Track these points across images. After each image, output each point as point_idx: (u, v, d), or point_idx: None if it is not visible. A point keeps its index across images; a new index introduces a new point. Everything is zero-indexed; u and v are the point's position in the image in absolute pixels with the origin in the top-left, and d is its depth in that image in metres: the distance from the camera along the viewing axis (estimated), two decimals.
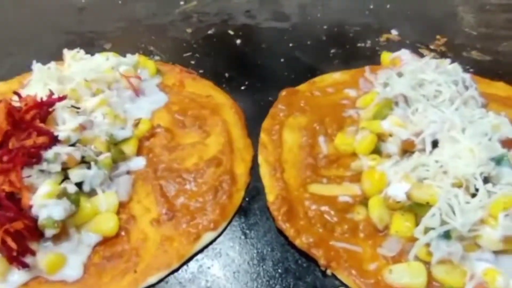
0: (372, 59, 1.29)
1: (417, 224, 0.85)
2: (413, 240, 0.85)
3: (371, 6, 1.53)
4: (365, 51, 1.35)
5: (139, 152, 1.05)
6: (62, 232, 0.87)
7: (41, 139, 0.91)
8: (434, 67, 1.05)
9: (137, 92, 1.16)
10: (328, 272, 0.86)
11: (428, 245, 0.82)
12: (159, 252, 0.88)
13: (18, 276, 0.85)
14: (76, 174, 0.93)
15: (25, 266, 0.84)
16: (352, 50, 1.36)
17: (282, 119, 1.12)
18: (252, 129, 1.12)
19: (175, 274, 0.88)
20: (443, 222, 0.81)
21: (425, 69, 1.04)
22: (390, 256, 0.86)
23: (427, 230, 0.83)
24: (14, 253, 0.82)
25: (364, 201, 0.94)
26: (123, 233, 0.91)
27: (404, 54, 1.15)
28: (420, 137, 0.93)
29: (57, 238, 0.87)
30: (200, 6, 1.55)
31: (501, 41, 1.38)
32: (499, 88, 1.20)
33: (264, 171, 1.02)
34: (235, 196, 0.97)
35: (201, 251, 0.91)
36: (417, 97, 0.99)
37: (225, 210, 0.95)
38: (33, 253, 0.85)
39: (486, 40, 1.38)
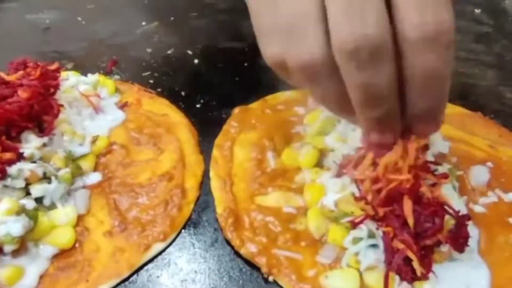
0: None
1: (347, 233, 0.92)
2: (344, 248, 0.92)
3: None
4: None
5: (95, 168, 1.10)
6: (20, 246, 0.92)
7: (8, 155, 0.96)
8: None
9: (97, 110, 1.21)
10: (270, 279, 0.92)
11: (357, 253, 0.89)
12: (111, 263, 0.93)
13: None
14: (37, 189, 0.98)
15: None
16: None
17: (234, 136, 1.18)
18: (206, 145, 1.18)
19: (126, 283, 0.93)
20: (370, 233, 0.88)
21: None
22: (327, 263, 0.93)
23: (355, 240, 0.90)
24: None
25: (306, 212, 1.01)
26: (77, 245, 0.96)
27: None
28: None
29: (15, 252, 0.91)
30: (161, 26, 1.61)
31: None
32: None
33: (215, 185, 1.08)
34: (184, 209, 1.03)
35: (151, 261, 0.96)
36: None
37: (175, 222, 1.00)
38: None
39: None
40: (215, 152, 1.14)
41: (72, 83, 1.20)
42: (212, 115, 1.27)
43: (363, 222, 0.90)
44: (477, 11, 1.69)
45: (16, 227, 0.90)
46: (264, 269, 0.93)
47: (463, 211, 0.93)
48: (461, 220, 0.88)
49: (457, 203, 0.95)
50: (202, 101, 1.31)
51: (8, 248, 0.89)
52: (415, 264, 0.85)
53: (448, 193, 0.92)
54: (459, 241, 0.88)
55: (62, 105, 1.11)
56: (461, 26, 1.62)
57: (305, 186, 1.04)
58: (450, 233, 0.87)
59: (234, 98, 1.30)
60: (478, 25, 1.64)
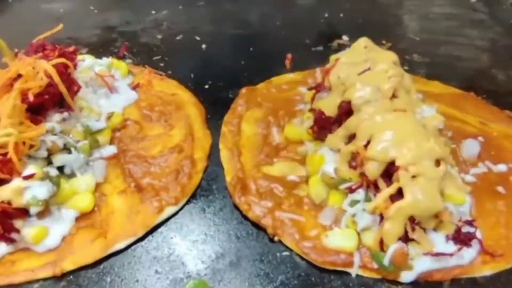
0: (324, 62, 1.43)
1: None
2: (342, 211, 1.00)
3: (326, 15, 1.68)
4: (318, 55, 1.49)
5: (111, 141, 1.18)
6: (45, 209, 0.99)
7: (38, 131, 1.03)
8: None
9: (111, 89, 1.28)
10: (275, 239, 1.00)
11: (354, 215, 0.97)
12: (127, 223, 1.01)
13: (5, 247, 0.97)
14: (59, 159, 1.06)
15: (12, 241, 0.97)
16: (306, 54, 1.50)
17: (241, 113, 1.26)
18: (213, 123, 1.25)
19: (142, 243, 1.00)
20: (366, 196, 0.96)
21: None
22: (327, 224, 1.00)
23: (353, 202, 0.98)
24: (1, 231, 0.95)
25: (308, 180, 1.08)
26: (96, 209, 1.04)
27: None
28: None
29: (40, 214, 0.99)
30: (170, 14, 1.69)
31: (440, 45, 1.54)
32: (433, 86, 1.35)
33: (224, 155, 1.16)
34: (194, 177, 1.11)
35: (164, 224, 1.04)
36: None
37: (185, 188, 1.08)
38: (17, 231, 0.97)
39: (427, 44, 1.55)
40: (224, 128, 1.22)
41: (88, 65, 1.28)
42: (219, 96, 1.34)
43: (360, 188, 0.98)
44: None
45: (42, 191, 0.98)
46: (269, 230, 1.00)
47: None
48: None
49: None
50: (210, 82, 1.38)
51: (34, 210, 0.97)
52: (408, 227, 0.92)
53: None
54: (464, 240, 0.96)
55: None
56: (458, 14, 1.71)
57: (307, 157, 1.11)
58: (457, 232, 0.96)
59: (240, 80, 1.38)
60: (474, 12, 1.71)
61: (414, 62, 1.46)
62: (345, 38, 1.55)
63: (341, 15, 1.69)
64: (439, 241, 0.95)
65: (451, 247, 0.95)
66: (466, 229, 0.98)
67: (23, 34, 1.47)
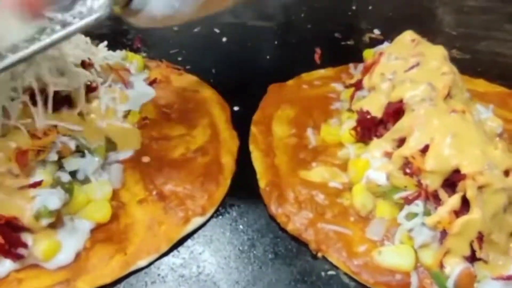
0: (355, 57, 1.31)
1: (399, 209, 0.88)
2: (396, 224, 0.88)
3: (354, 7, 1.56)
4: (348, 50, 1.38)
5: None
6: (57, 220, 0.87)
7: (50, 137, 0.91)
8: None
9: (127, 85, 1.16)
10: (319, 255, 0.88)
11: (410, 230, 0.85)
12: (148, 236, 0.89)
13: (11, 264, 0.84)
14: (70, 163, 0.93)
15: (19, 257, 0.84)
16: (336, 49, 1.39)
17: (271, 112, 1.14)
18: (238, 122, 1.13)
19: (166, 259, 0.89)
20: (426, 209, 0.84)
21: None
22: (376, 239, 0.88)
23: (411, 215, 0.85)
24: (6, 247, 0.82)
25: (351, 187, 0.96)
26: (113, 219, 0.92)
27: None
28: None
29: (51, 226, 0.87)
30: None
31: (479, 41, 1.43)
32: (478, 84, 1.24)
33: (256, 157, 1.04)
34: (222, 184, 0.99)
35: (191, 237, 0.92)
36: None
37: (213, 197, 0.96)
38: (25, 246, 0.84)
39: (465, 39, 1.43)
40: (253, 128, 1.10)
41: (102, 57, 1.15)
42: (244, 93, 1.22)
43: (418, 199, 0.86)
44: None
45: (53, 199, 0.85)
46: (312, 246, 0.88)
47: None
48: None
49: None
50: (233, 78, 1.26)
51: (45, 221, 0.84)
52: (475, 246, 0.81)
53: None
54: None
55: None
56: (494, 7, 1.59)
57: (350, 162, 0.99)
58: None
59: (265, 76, 1.26)
60: (511, 5, 1.59)
61: (453, 58, 1.33)
62: (376, 32, 1.44)
63: (370, 7, 1.57)
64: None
65: None
66: None
67: None
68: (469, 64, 1.32)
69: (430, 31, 1.43)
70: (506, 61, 1.36)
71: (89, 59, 1.07)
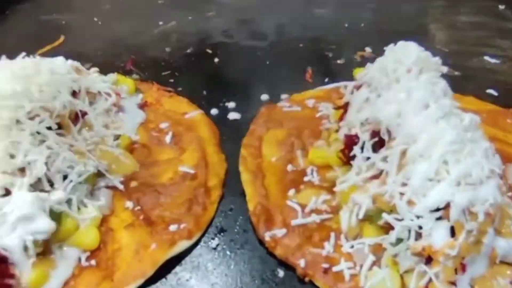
0: (347, 75, 1.32)
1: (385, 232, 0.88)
2: (380, 249, 0.87)
3: (346, 25, 1.58)
4: (340, 68, 1.39)
5: None
6: (45, 249, 0.88)
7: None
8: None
9: (118, 108, 1.17)
10: (306, 279, 0.88)
11: (395, 255, 0.85)
12: (135, 261, 0.90)
13: None
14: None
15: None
16: (328, 67, 1.40)
17: (261, 135, 1.15)
18: (229, 145, 1.14)
19: (154, 286, 0.89)
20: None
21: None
22: (364, 263, 0.88)
23: (396, 241, 0.85)
24: None
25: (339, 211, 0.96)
26: (101, 246, 0.92)
27: None
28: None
29: (39, 255, 0.87)
30: (179, 26, 1.58)
31: (471, 57, 1.43)
32: (468, 102, 1.23)
33: (246, 178, 1.05)
34: (209, 208, 1.00)
35: (179, 264, 0.92)
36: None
37: (200, 220, 0.97)
38: (12, 277, 0.84)
39: (457, 56, 1.43)
40: (243, 151, 1.11)
41: (92, 81, 1.16)
42: (234, 114, 1.23)
43: None
44: (501, 7, 1.66)
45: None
46: (299, 270, 0.88)
47: None
48: None
49: None
50: (224, 99, 1.27)
51: (32, 251, 0.84)
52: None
53: None
54: None
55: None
56: (486, 23, 1.59)
57: (337, 184, 0.99)
58: None
59: (257, 97, 1.27)
60: (503, 21, 1.60)
61: (444, 76, 1.34)
62: (368, 50, 1.44)
63: (362, 25, 1.58)
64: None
65: None
66: None
67: (22, 48, 1.36)
68: (460, 81, 1.32)
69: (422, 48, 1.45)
70: (497, 78, 1.36)
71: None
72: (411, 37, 1.49)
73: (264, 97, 1.27)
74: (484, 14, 1.64)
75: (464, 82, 1.33)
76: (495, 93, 1.30)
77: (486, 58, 1.43)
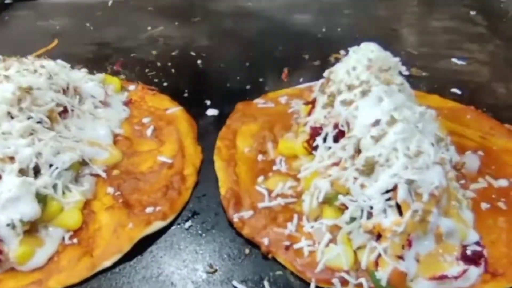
0: (321, 76, 1.40)
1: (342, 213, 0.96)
2: (337, 228, 0.95)
3: (324, 30, 1.67)
4: (315, 69, 1.47)
5: None
6: (31, 228, 0.96)
7: None
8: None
9: (104, 105, 1.26)
10: (269, 256, 0.96)
11: (349, 232, 0.94)
12: (113, 239, 0.98)
13: None
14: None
15: None
16: (304, 69, 1.49)
17: (236, 129, 1.23)
18: (206, 139, 1.22)
19: (131, 263, 0.97)
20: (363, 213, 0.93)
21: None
22: (323, 241, 0.96)
23: (350, 220, 0.93)
24: None
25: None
26: (83, 226, 1.01)
27: None
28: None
29: (26, 233, 0.95)
30: (166, 30, 1.68)
31: (439, 59, 1.52)
32: (432, 100, 1.32)
33: (219, 166, 1.14)
34: (184, 193, 1.08)
35: (154, 243, 1.00)
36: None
37: (175, 204, 1.05)
38: (0, 252, 0.93)
39: (425, 58, 1.52)
40: (219, 142, 1.20)
41: (80, 79, 1.25)
42: (214, 111, 1.32)
43: None
44: (473, 12, 1.75)
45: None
46: (263, 248, 0.97)
47: None
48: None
49: None
50: (204, 98, 1.36)
51: (19, 229, 0.93)
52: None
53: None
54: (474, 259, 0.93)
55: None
56: (457, 27, 1.68)
57: (301, 172, 1.07)
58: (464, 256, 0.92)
59: (235, 96, 1.35)
60: (474, 26, 1.69)
61: (412, 76, 1.43)
62: (342, 52, 1.53)
63: (339, 29, 1.67)
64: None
65: (455, 268, 0.91)
66: (472, 248, 0.94)
67: (19, 51, 1.46)
68: (426, 81, 1.42)
69: (393, 51, 1.53)
70: (462, 78, 1.44)
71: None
72: (383, 41, 1.59)
73: (242, 95, 1.36)
74: (456, 20, 1.73)
75: (430, 82, 1.42)
76: (459, 92, 1.38)
77: (454, 60, 1.51)
